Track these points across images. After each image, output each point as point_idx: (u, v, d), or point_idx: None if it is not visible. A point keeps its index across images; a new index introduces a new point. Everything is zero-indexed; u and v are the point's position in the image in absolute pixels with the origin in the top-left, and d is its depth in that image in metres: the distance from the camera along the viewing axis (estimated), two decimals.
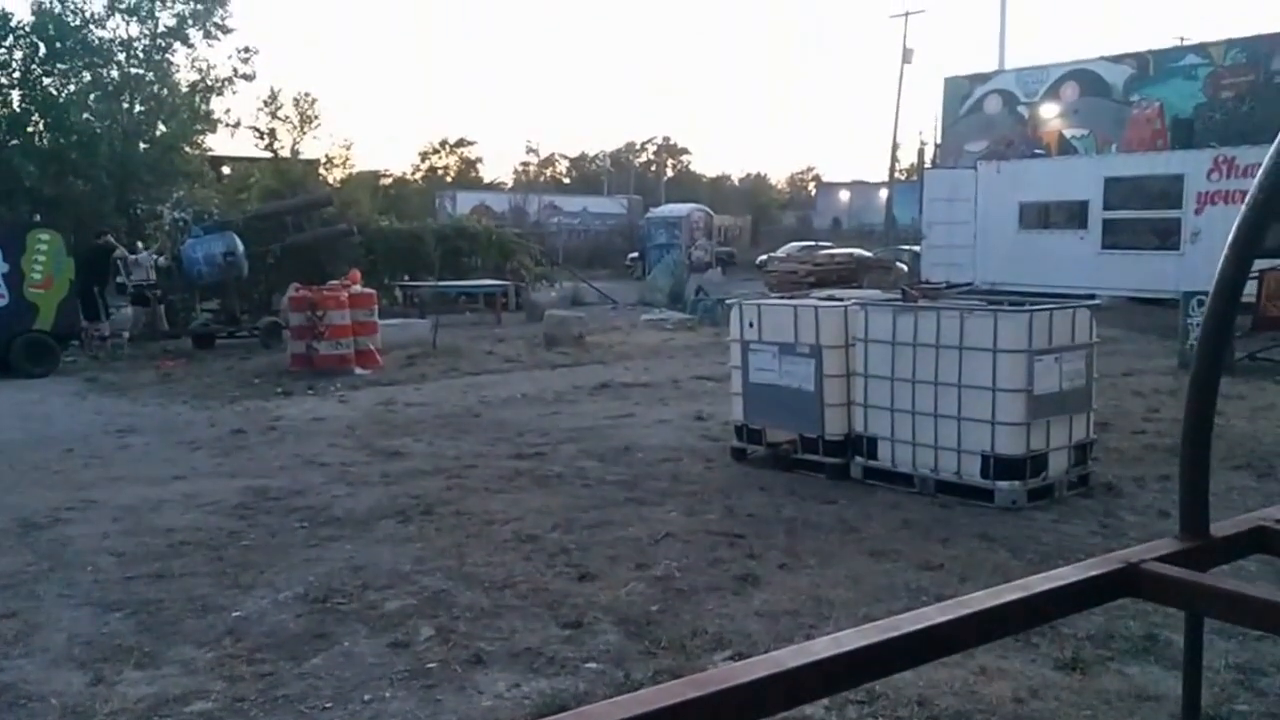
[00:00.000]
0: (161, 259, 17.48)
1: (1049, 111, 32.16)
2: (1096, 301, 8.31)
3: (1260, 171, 1.42)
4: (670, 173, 75.48)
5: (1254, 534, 1.57)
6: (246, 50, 32.77)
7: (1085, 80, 31.17)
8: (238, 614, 4.96)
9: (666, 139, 77.92)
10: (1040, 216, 23.05)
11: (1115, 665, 4.16)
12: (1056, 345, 6.64)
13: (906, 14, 46.11)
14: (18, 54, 28.88)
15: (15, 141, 28.43)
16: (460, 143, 76.09)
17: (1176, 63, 29.51)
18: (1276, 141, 1.39)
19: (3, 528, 6.51)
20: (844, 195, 67.93)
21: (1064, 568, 1.41)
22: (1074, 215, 22.17)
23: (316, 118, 48.59)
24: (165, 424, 10.34)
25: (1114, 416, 9.14)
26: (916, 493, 6.89)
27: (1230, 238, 1.43)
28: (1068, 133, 31.53)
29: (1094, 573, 1.39)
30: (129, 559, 5.83)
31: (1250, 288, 11.77)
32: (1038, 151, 29.68)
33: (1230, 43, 28.46)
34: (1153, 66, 29.89)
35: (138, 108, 30.41)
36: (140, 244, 18.63)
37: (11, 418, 10.85)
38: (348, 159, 51.95)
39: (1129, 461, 7.69)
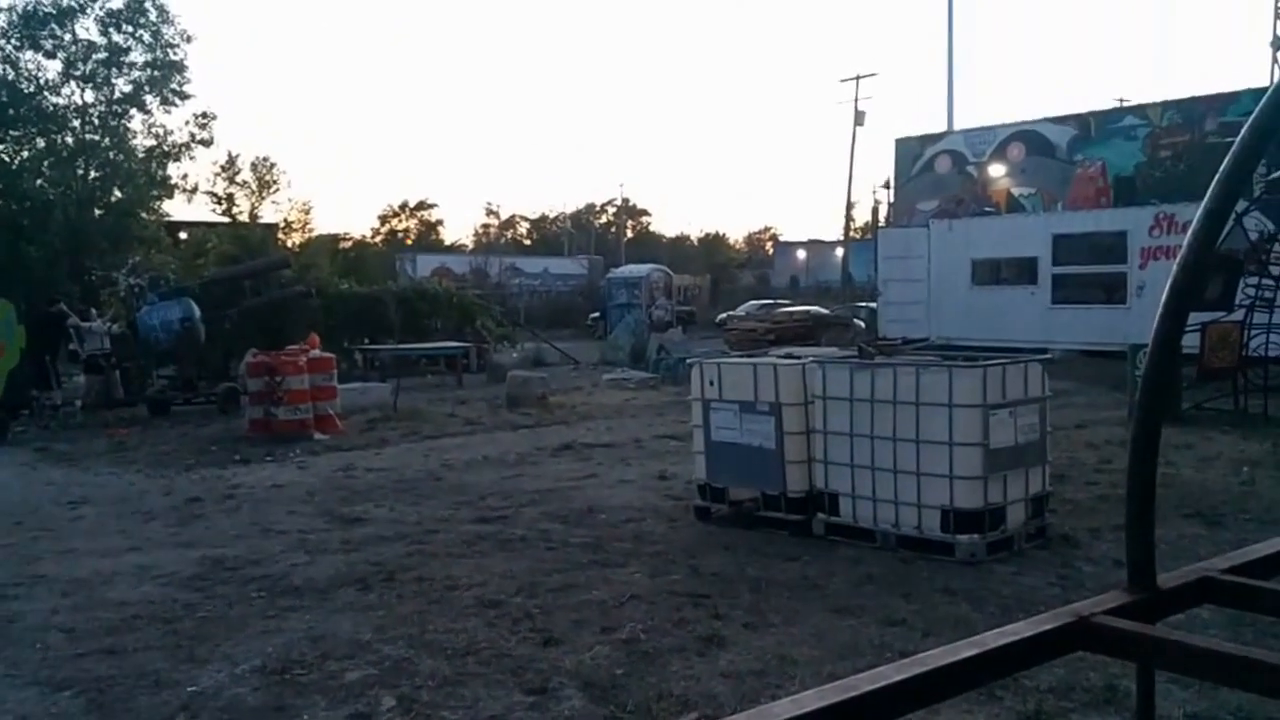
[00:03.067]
0: (115, 326, 17.29)
1: (997, 171, 32.91)
2: (1048, 355, 8.47)
3: (1189, 233, 1.47)
4: (630, 233, 76.11)
5: (1200, 584, 1.61)
6: (204, 116, 32.78)
7: (1030, 140, 31.98)
8: (193, 689, 4.85)
9: (626, 200, 78.75)
10: (992, 273, 23.51)
11: (1077, 717, 4.18)
12: (1011, 399, 6.74)
13: (858, 77, 47.30)
14: None
15: None
16: (420, 205, 76.46)
17: (1117, 123, 30.39)
18: (1203, 205, 1.44)
19: None
20: (801, 254, 68.84)
21: (1017, 623, 1.43)
22: (1024, 271, 22.64)
23: (275, 182, 48.73)
24: (119, 494, 10.16)
25: (1068, 468, 9.26)
26: (878, 548, 6.92)
27: (1163, 299, 1.48)
28: (1016, 191, 32.25)
29: (1046, 627, 1.41)
30: (79, 635, 5.70)
31: (1195, 340, 12.08)
32: (988, 209, 30.31)
33: (1166, 104, 29.39)
34: (1094, 127, 30.74)
35: (93, 174, 30.29)
36: (94, 311, 18.37)
37: None
38: (307, 223, 52.01)
39: (1084, 512, 7.80)
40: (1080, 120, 31.19)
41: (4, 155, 29.20)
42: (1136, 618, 1.45)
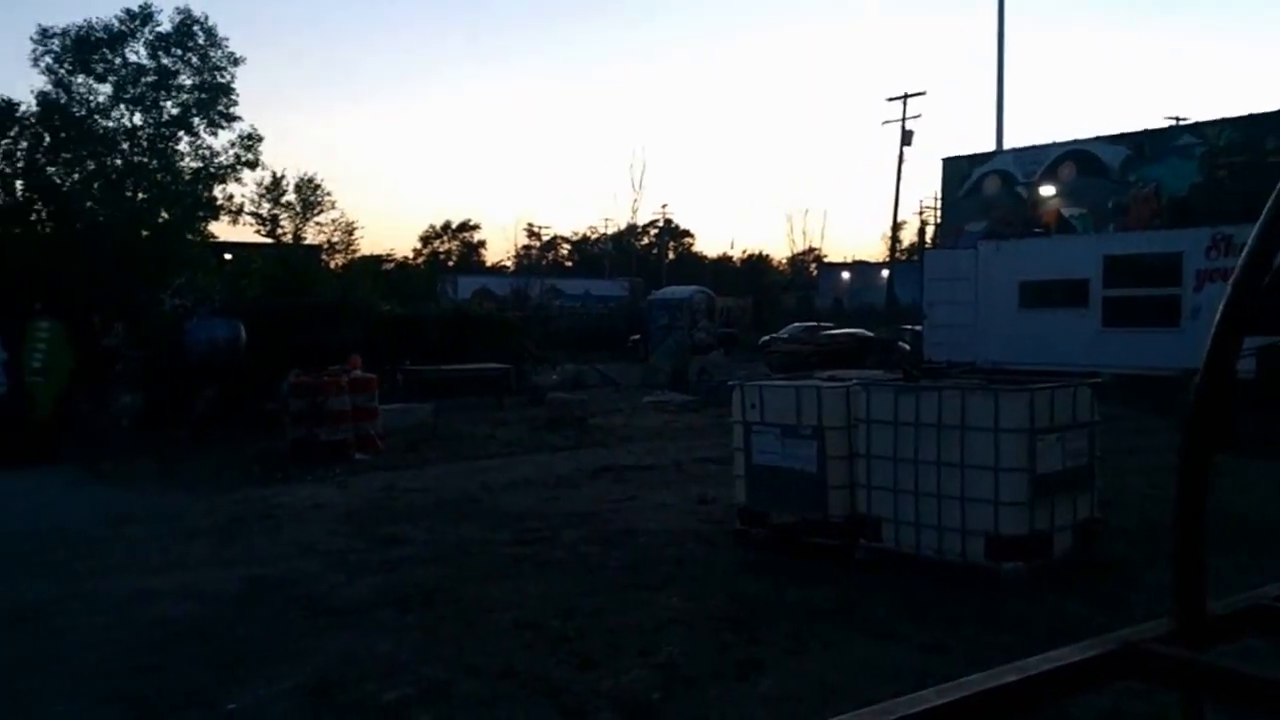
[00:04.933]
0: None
1: (1047, 191, 32.57)
2: (1098, 379, 8.31)
3: (1243, 253, 1.43)
4: (672, 255, 76.24)
5: (1251, 613, 1.56)
6: (250, 138, 33.26)
7: (1082, 160, 31.63)
8: (233, 705, 4.88)
9: (668, 221, 78.80)
10: (1041, 295, 23.18)
11: None
12: (1059, 424, 6.62)
13: (905, 96, 46.88)
14: (22, 143, 29.44)
15: (18, 231, 28.82)
16: (463, 226, 77.24)
17: (1172, 143, 29.97)
18: (1258, 225, 1.40)
19: (0, 618, 6.45)
20: (845, 276, 68.55)
21: (1062, 648, 1.39)
22: (1074, 293, 22.30)
23: (319, 203, 49.36)
24: (163, 512, 10.28)
25: (1118, 495, 9.06)
26: (921, 574, 6.80)
27: (1216, 322, 1.44)
28: (1066, 212, 31.90)
29: (1092, 653, 1.37)
30: (125, 650, 5.76)
31: (1252, 364, 11.82)
32: (1037, 231, 29.98)
33: (1224, 122, 28.95)
34: (1148, 147, 30.34)
35: (141, 196, 30.84)
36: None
37: (11, 507, 10.81)
38: (350, 244, 52.64)
39: (1134, 540, 7.62)
40: (1134, 139, 30.80)
41: (56, 178, 29.87)
42: (1185, 646, 1.41)
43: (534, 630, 5.89)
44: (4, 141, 29.03)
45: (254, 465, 13.20)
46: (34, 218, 29.63)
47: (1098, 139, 31.77)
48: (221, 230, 36.84)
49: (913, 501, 6.92)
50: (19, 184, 29.55)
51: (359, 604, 6.57)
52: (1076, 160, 31.93)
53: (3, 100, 29.06)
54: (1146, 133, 31.09)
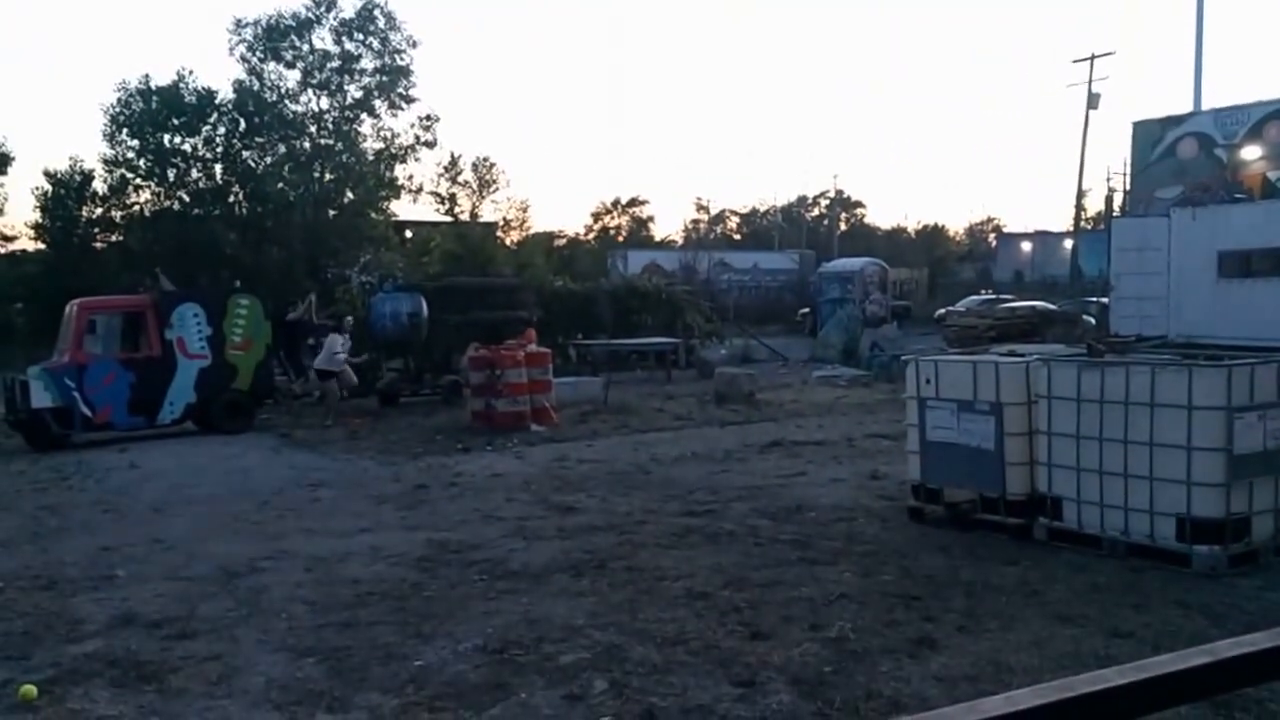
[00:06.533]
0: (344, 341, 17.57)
1: (1251, 153, 30.31)
2: None
3: None
4: (843, 226, 74.71)
5: None
6: (428, 119, 34.30)
7: None
8: (419, 663, 5.14)
9: (839, 192, 77.13)
10: (1243, 265, 21.62)
11: None
12: (1260, 402, 6.22)
13: (1092, 57, 44.20)
14: (220, 129, 31.27)
15: (217, 212, 30.68)
16: (632, 202, 77.77)
17: None
18: None
19: (207, 575, 6.99)
20: (1026, 246, 65.59)
21: (1257, 634, 1.33)
22: None
23: (494, 182, 50.67)
24: (353, 479, 10.87)
25: None
26: (1105, 556, 6.54)
27: None
28: (1273, 175, 29.63)
29: None
30: (320, 607, 6.15)
31: None
32: (1239, 196, 27.95)
33: None
34: None
35: (328, 177, 32.27)
36: (348, 320, 18.26)
37: (214, 472, 11.63)
38: (524, 221, 53.89)
39: None
40: None
41: (250, 161, 31.61)
42: None
43: (704, 600, 5.96)
44: (204, 128, 31.00)
45: (436, 434, 13.78)
46: (231, 199, 31.54)
47: None
48: (402, 209, 38.20)
49: (1097, 481, 6.66)
50: (218, 168, 31.51)
51: (536, 569, 6.80)
52: None
53: (204, 90, 31.03)
54: None
